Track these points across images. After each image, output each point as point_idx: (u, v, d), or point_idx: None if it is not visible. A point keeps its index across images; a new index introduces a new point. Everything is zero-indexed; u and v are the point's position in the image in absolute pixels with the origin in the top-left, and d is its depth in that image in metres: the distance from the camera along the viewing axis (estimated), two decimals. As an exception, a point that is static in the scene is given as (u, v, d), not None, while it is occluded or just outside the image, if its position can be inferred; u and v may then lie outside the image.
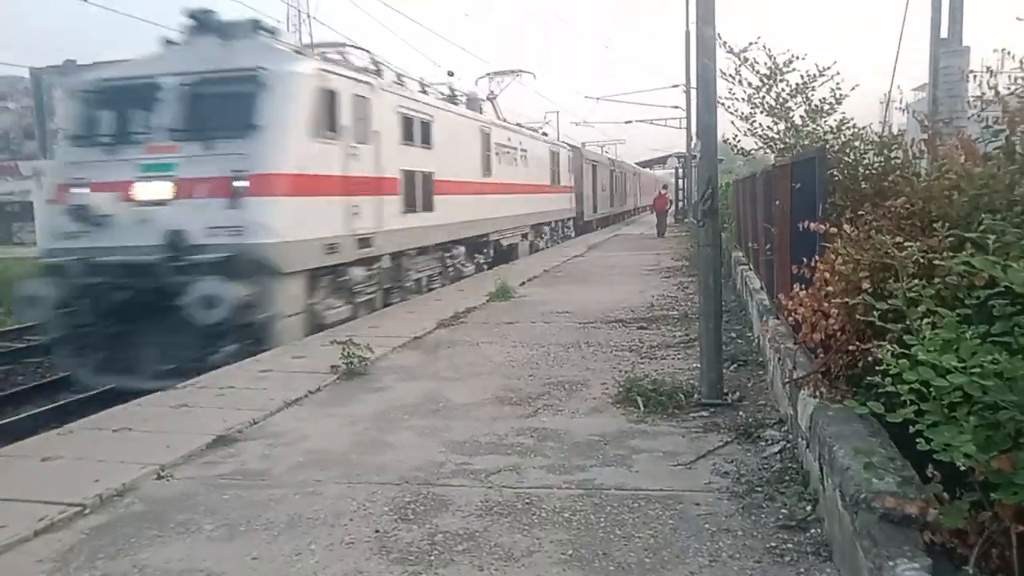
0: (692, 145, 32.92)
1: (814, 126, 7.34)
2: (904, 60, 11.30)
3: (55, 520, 4.34)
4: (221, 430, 5.93)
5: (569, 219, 31.72)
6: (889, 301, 3.41)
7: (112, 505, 4.62)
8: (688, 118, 35.92)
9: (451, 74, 32.55)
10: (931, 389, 2.66)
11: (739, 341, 9.00)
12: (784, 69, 7.33)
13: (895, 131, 6.45)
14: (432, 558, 3.83)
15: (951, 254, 3.39)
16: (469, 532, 4.11)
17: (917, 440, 2.70)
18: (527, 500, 4.52)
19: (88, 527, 4.32)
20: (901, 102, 7.39)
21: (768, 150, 7.99)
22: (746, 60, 7.43)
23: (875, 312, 3.44)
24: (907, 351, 2.88)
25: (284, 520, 4.34)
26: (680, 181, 43.79)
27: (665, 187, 41.19)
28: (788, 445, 5.18)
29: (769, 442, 5.35)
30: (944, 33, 8.93)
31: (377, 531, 4.16)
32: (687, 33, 31.63)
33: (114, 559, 3.92)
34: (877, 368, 3.20)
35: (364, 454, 5.45)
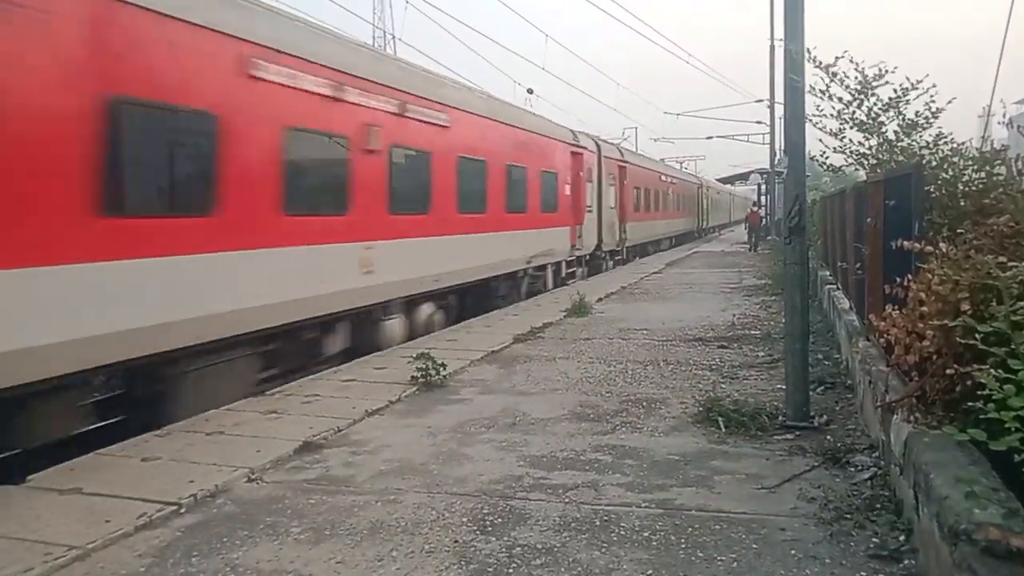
0: (776, 161, 32.11)
1: (909, 141, 7.08)
2: (1006, 72, 10.78)
3: (153, 517, 4.57)
4: (307, 437, 6.12)
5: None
6: (992, 324, 3.25)
7: (206, 505, 4.83)
8: (772, 133, 35.14)
9: (531, 91, 32.91)
10: (1039, 417, 2.53)
11: (826, 363, 8.71)
12: (875, 83, 7.10)
13: (997, 146, 6.15)
14: (510, 571, 3.85)
15: (1061, 275, 3.22)
16: (547, 547, 4.11)
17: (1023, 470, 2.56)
18: (605, 517, 4.49)
19: (184, 525, 4.53)
20: (1004, 116, 7.05)
21: (859, 166, 7.73)
22: (835, 75, 7.24)
23: (976, 335, 3.29)
24: (1012, 376, 2.74)
25: (367, 526, 4.44)
26: (763, 198, 42.92)
27: (755, 203, 40.96)
28: (879, 471, 4.98)
29: (859, 468, 5.15)
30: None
31: (456, 541, 4.21)
32: (771, 47, 31.07)
33: (207, 557, 4.10)
34: (979, 394, 3.06)
35: (443, 465, 5.53)
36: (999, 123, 7.08)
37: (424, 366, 8.05)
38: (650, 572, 3.80)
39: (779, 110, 32.74)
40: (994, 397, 2.73)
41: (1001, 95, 9.91)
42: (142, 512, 4.61)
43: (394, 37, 40.72)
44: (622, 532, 4.28)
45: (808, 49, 6.60)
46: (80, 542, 4.20)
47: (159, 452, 5.84)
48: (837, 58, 6.96)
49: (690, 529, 4.29)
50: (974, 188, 5.50)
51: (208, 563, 4.03)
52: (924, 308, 4.07)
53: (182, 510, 4.73)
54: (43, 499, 4.90)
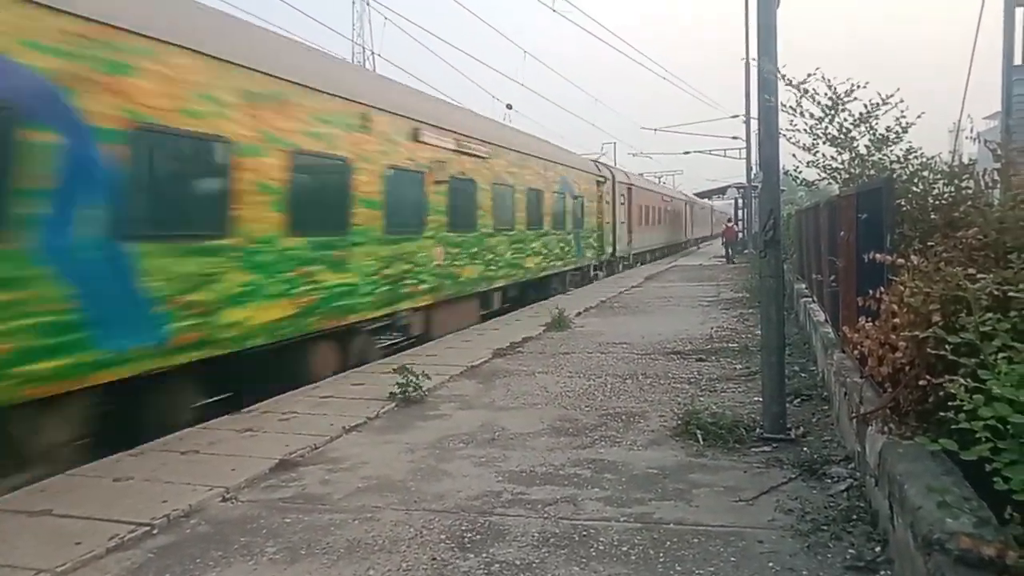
0: (752, 176, 32.51)
1: (880, 155, 7.18)
2: (975, 86, 11.01)
3: (125, 539, 4.49)
4: (284, 455, 6.06)
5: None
6: (962, 335, 3.30)
7: (179, 526, 4.75)
8: (748, 148, 35.57)
9: (509, 107, 33.10)
10: (1008, 426, 2.57)
11: (802, 375, 8.78)
12: (845, 99, 7.20)
13: (966, 160, 6.27)
14: (489, 588, 3.82)
15: (1028, 286, 3.28)
16: (526, 563, 4.09)
17: (994, 479, 2.59)
18: (584, 532, 4.48)
19: (156, 546, 4.45)
20: (972, 131, 7.19)
21: (831, 181, 7.83)
22: (806, 92, 7.34)
23: (947, 346, 3.34)
24: (982, 386, 2.78)
25: (344, 545, 4.39)
26: (740, 212, 43.41)
27: (730, 219, 42.83)
28: (855, 483, 5.02)
29: (835, 479, 5.19)
30: (1018, 60, 8.69)
31: (434, 559, 4.18)
32: (747, 64, 31.47)
33: (180, 578, 4.03)
34: (950, 404, 3.09)
35: (421, 481, 5.49)
36: (968, 137, 7.22)
37: (403, 382, 8.01)
38: (629, 587, 3.79)
39: (755, 125, 33.21)
40: (964, 407, 2.76)
41: (970, 111, 10.11)
42: (114, 533, 4.52)
43: (373, 53, 40.77)
44: (601, 547, 4.27)
45: (779, 68, 6.70)
46: (49, 565, 4.11)
47: (131, 472, 5.74)
48: (809, 75, 7.07)
49: (668, 543, 4.29)
50: (944, 202, 5.58)
51: (181, 585, 3.96)
52: (896, 320, 4.12)
53: (155, 531, 4.64)
54: (11, 521, 4.79)
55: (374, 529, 4.62)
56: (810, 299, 11.76)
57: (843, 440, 5.98)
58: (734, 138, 46.12)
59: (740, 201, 43.60)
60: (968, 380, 2.95)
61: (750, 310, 15.04)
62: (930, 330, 3.69)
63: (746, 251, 35.43)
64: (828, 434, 6.36)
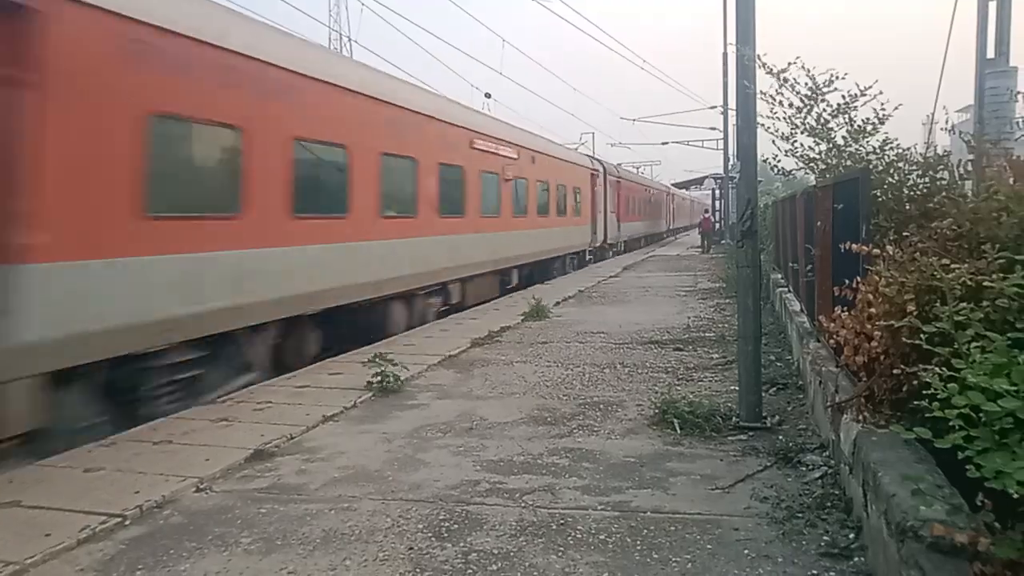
0: (730, 166, 32.67)
1: (857, 147, 7.24)
2: (948, 81, 11.11)
3: (96, 530, 4.42)
4: (259, 445, 5.99)
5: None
6: (936, 324, 3.33)
7: (152, 517, 4.69)
8: (725, 139, 35.77)
9: (488, 96, 32.95)
10: (981, 414, 2.59)
11: (778, 364, 8.85)
12: (824, 89, 7.25)
13: (940, 152, 6.33)
14: (466, 577, 3.81)
15: (1001, 276, 3.31)
16: (503, 552, 4.08)
17: (967, 467, 2.62)
18: (562, 521, 4.48)
19: (128, 538, 4.38)
20: (947, 123, 7.26)
21: (809, 171, 7.88)
22: (786, 81, 7.37)
23: (922, 335, 3.36)
24: (956, 375, 2.80)
25: (319, 535, 4.35)
26: (717, 203, 43.74)
27: (707, 210, 43.67)
28: (830, 471, 5.07)
29: (810, 467, 5.24)
30: (991, 53, 8.77)
31: (411, 548, 4.16)
32: (725, 54, 31.60)
33: (153, 570, 3.97)
34: (924, 393, 3.12)
35: (399, 471, 5.46)
36: (942, 129, 7.29)
37: (380, 371, 7.96)
38: (606, 575, 3.80)
39: (732, 116, 33.43)
40: (939, 396, 2.79)
41: (944, 103, 10.22)
42: (84, 525, 4.45)
43: (350, 40, 40.37)
44: (578, 535, 4.27)
45: (759, 55, 6.71)
46: (18, 557, 4.03)
47: (103, 462, 5.65)
48: (789, 63, 7.10)
49: (645, 531, 4.31)
50: (919, 193, 5.64)
51: (153, 576, 3.90)
52: (872, 310, 4.16)
53: (127, 522, 4.57)
54: (-22, 513, 4.69)
55: (351, 519, 4.58)
56: (786, 289, 11.86)
57: (818, 428, 6.04)
58: (712, 128, 46.43)
59: (717, 191, 43.95)
60: (942, 369, 2.98)
61: (726, 300, 15.15)
62: (905, 320, 3.72)
63: (723, 241, 35.68)
64: (803, 422, 6.42)
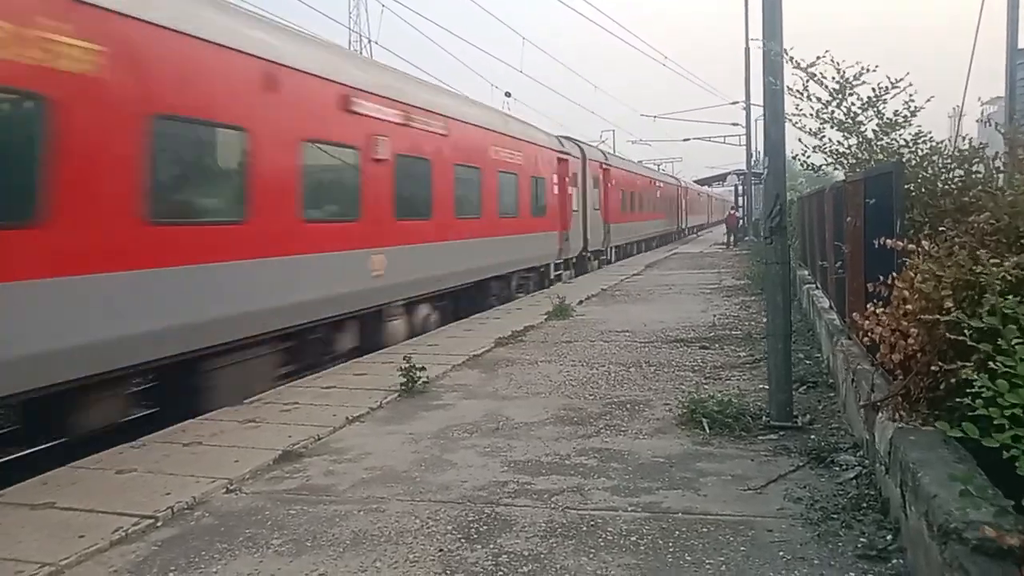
0: (753, 162, 32.31)
1: (888, 140, 7.10)
2: (973, 72, 10.90)
3: (129, 532, 4.45)
4: (287, 446, 6.01)
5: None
6: (984, 319, 3.23)
7: (183, 518, 4.71)
8: (748, 135, 35.40)
9: (508, 95, 32.92)
10: (1030, 413, 2.51)
11: (807, 362, 8.73)
12: (854, 82, 7.12)
13: (975, 144, 6.19)
14: (497, 579, 3.78)
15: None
16: (534, 554, 4.05)
17: (1016, 466, 2.54)
18: (592, 522, 4.44)
19: (160, 539, 4.41)
20: (982, 115, 7.11)
21: (838, 166, 7.75)
22: (813, 75, 7.25)
23: (967, 331, 3.27)
24: (1011, 371, 2.72)
25: (349, 536, 4.35)
26: (739, 199, 43.35)
27: (734, 207, 43.19)
28: (864, 470, 4.98)
29: (844, 467, 5.14)
30: (1022, 43, 8.59)
31: (441, 550, 4.14)
32: (747, 50, 31.30)
33: (185, 572, 3.99)
34: (966, 391, 3.04)
35: (426, 472, 5.45)
36: (976, 121, 7.15)
37: (406, 371, 7.96)
38: (639, 577, 3.75)
39: (755, 112, 33.02)
40: (983, 394, 2.71)
41: (971, 94, 10.01)
42: (117, 526, 4.48)
43: (370, 41, 40.54)
44: (609, 537, 4.23)
45: (786, 50, 6.61)
46: (53, 559, 4.07)
47: (135, 464, 5.70)
48: (818, 57, 6.98)
49: (677, 532, 4.25)
50: (954, 186, 5.52)
51: (186, 578, 3.92)
52: (908, 306, 4.06)
53: (159, 523, 4.60)
54: (14, 515, 4.74)
55: (380, 520, 4.57)
56: (813, 286, 11.70)
57: (851, 428, 5.94)
58: (734, 124, 45.94)
59: (740, 188, 43.53)
60: (994, 364, 2.89)
61: (751, 297, 14.99)
62: (947, 315, 3.63)
63: (746, 238, 35.32)
64: (835, 421, 6.32)
